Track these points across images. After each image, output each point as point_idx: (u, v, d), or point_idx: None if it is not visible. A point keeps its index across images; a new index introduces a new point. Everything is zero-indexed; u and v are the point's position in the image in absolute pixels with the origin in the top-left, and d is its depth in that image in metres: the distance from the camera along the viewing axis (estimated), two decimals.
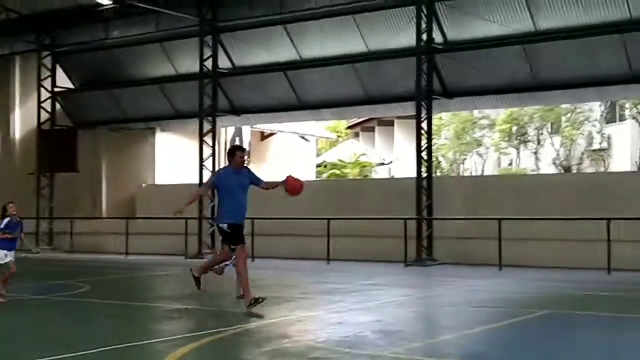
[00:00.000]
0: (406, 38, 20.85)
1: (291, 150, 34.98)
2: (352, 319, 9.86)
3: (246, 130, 32.14)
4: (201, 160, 23.82)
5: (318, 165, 40.33)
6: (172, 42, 25.30)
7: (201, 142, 23.95)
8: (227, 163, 11.18)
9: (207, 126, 24.01)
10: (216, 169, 24.62)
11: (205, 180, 23.58)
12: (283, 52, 23.45)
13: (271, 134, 34.05)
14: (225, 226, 10.51)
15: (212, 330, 8.85)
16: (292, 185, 10.86)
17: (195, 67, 24.16)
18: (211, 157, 23.95)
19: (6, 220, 11.47)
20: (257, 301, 10.07)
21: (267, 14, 22.86)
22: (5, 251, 11.35)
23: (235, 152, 10.80)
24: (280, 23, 23.01)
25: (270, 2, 22.71)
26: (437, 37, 20.61)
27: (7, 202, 11.74)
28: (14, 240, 11.55)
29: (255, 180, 10.80)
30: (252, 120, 26.80)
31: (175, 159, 27.80)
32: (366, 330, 8.97)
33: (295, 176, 11.09)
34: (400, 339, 8.38)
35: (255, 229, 21.52)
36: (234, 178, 10.61)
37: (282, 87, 24.11)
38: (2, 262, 11.32)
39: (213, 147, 24.04)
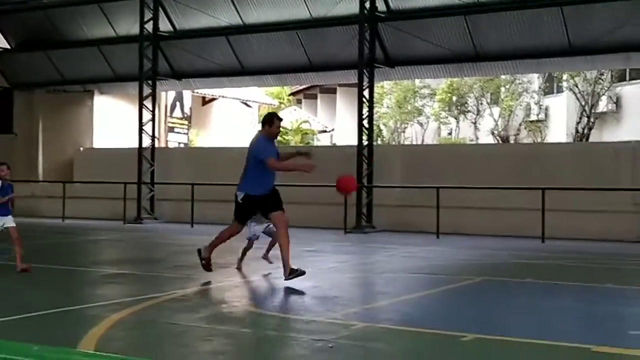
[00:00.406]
0: (350, 6, 20.74)
1: (233, 116, 34.77)
2: (290, 284, 9.86)
3: (187, 95, 31.78)
4: (140, 124, 23.46)
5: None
6: (111, 4, 24.72)
7: (141, 106, 23.58)
8: (260, 130, 10.29)
9: (147, 90, 23.64)
10: (156, 133, 24.35)
11: (144, 144, 23.31)
12: (226, 17, 23.12)
13: (212, 99, 33.74)
14: (258, 197, 9.90)
15: (149, 296, 8.74)
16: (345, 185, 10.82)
17: (135, 30, 23.70)
18: (150, 122, 23.62)
19: None
20: (296, 273, 9.64)
21: None
22: None
23: (274, 120, 10.06)
24: None
25: None
26: (381, 5, 20.56)
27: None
28: (5, 205, 10.68)
29: (277, 151, 10.21)
30: (193, 84, 26.48)
31: (114, 122, 27.36)
32: (303, 296, 9.00)
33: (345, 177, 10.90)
34: (336, 305, 8.41)
35: (196, 194, 21.43)
36: (270, 148, 9.97)
37: (224, 52, 23.84)
38: None
39: (153, 111, 23.71)
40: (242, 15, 22.94)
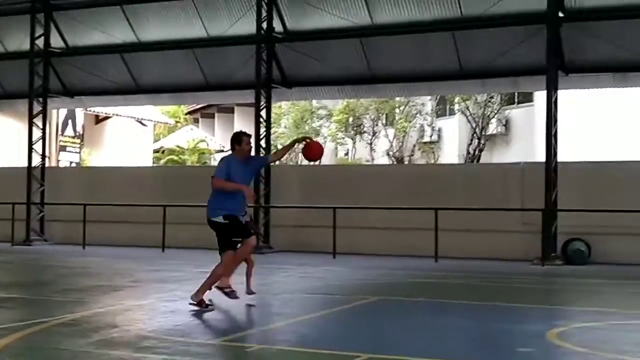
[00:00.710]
0: (247, 26, 20.77)
1: (128, 135, 34.20)
2: (184, 307, 9.69)
3: (79, 113, 31.08)
4: (30, 142, 22.78)
5: (155, 151, 39.60)
6: (1, 18, 23.96)
7: (30, 124, 22.90)
8: (230, 150, 9.83)
9: (37, 107, 23.00)
10: (46, 152, 23.69)
11: (44, 165, 22.64)
12: (120, 34, 22.74)
13: (106, 118, 33.11)
14: (221, 219, 9.46)
15: (38, 320, 8.44)
16: (313, 151, 9.72)
17: (26, 45, 23.01)
18: (41, 140, 22.95)
19: None
20: (205, 305, 9.35)
21: None
22: None
23: (242, 137, 9.61)
24: (117, 4, 22.31)
25: None
26: (278, 26, 20.67)
27: None
28: None
29: (261, 162, 10.20)
30: (86, 102, 25.92)
31: (3, 141, 26.45)
32: (198, 319, 8.86)
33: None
34: (232, 327, 8.35)
35: (88, 215, 20.90)
36: (241, 169, 9.48)
37: (119, 69, 23.45)
38: None
39: (43, 129, 23.09)
40: (137, 33, 22.62)
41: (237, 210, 9.47)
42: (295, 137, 9.79)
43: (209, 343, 7.34)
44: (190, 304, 9.36)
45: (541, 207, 17.24)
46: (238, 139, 9.64)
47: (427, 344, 7.81)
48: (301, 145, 9.86)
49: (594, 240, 17.49)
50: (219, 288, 9.68)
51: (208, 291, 9.58)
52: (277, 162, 33.24)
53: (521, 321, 9.13)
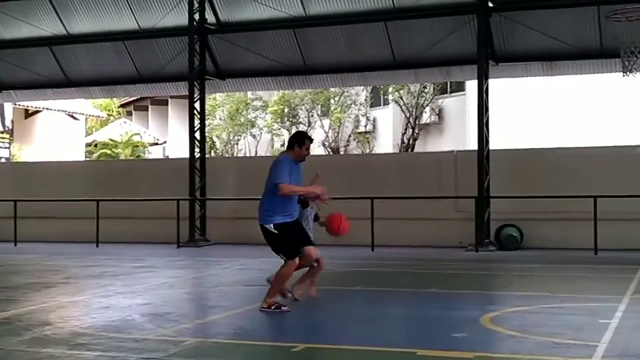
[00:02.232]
0: (179, 17, 20.50)
1: (59, 129, 33.54)
2: (119, 302, 9.59)
3: (8, 107, 30.35)
4: None
5: (88, 145, 38.94)
6: None
7: None
8: (287, 148, 9.20)
9: None
10: None
11: None
12: (49, 26, 22.21)
13: (36, 112, 32.39)
14: (271, 227, 8.85)
15: None
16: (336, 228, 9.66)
17: None
18: None
19: None
20: (278, 307, 8.84)
21: None
22: None
23: (305, 140, 9.01)
24: None
25: None
26: (210, 17, 20.48)
27: None
28: None
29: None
30: (15, 96, 25.27)
31: None
32: (134, 314, 8.76)
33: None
34: (168, 321, 8.26)
35: (19, 211, 20.46)
36: (295, 171, 8.93)
37: (48, 62, 22.93)
38: None
39: None
40: (66, 25, 22.13)
41: (290, 215, 8.97)
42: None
43: (145, 338, 7.26)
44: (262, 310, 8.86)
45: (474, 195, 17.51)
46: (301, 140, 9.01)
47: (364, 332, 7.86)
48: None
49: (526, 225, 17.83)
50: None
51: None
52: (212, 154, 32.91)
53: (456, 307, 9.27)
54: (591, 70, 19.10)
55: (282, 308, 8.80)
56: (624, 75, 15.71)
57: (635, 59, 15.18)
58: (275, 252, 8.99)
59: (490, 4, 18.05)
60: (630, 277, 11.75)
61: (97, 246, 19.39)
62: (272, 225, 8.83)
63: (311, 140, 9.26)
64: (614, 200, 16.33)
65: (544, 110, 28.35)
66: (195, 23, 19.95)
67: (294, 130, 38.94)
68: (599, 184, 16.94)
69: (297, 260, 8.91)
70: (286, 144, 9.30)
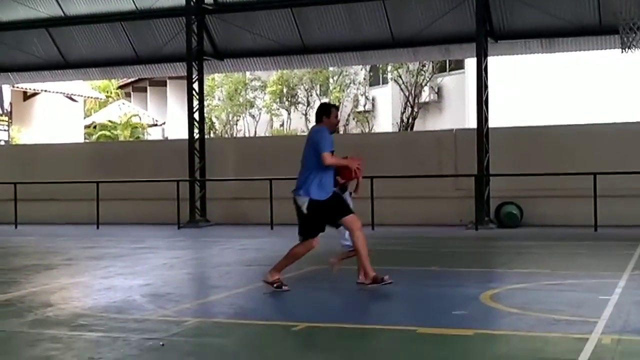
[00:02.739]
0: None
1: (57, 110, 33.46)
2: (120, 283, 9.61)
3: (6, 90, 30.26)
4: None
5: (87, 127, 38.87)
6: None
7: None
8: (316, 122, 8.94)
9: None
10: None
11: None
12: (45, 8, 22.12)
13: (35, 94, 32.32)
14: (307, 204, 8.59)
15: None
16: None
17: None
18: None
19: None
20: (382, 281, 8.61)
21: None
22: None
23: (331, 109, 8.90)
24: None
25: None
26: None
27: None
28: None
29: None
30: (12, 79, 25.22)
31: None
32: (135, 295, 8.78)
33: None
34: (169, 302, 8.28)
35: (19, 194, 20.49)
36: (330, 141, 8.62)
37: (45, 44, 22.92)
38: None
39: None
40: (62, 7, 22.05)
41: (326, 192, 8.67)
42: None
43: (146, 318, 7.28)
44: (263, 281, 8.86)
45: (474, 173, 17.51)
46: (327, 110, 8.85)
47: (365, 310, 7.89)
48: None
49: (526, 203, 17.86)
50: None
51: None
52: (211, 135, 32.78)
53: (456, 285, 9.29)
54: (590, 46, 19.03)
55: (283, 287, 8.78)
56: (622, 52, 15.70)
57: (634, 35, 15.15)
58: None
59: None
60: (630, 254, 11.78)
61: (98, 228, 19.42)
62: (306, 202, 8.61)
63: (337, 108, 9.08)
64: (613, 177, 16.36)
65: (543, 88, 28.28)
66: (192, 3, 19.87)
67: (293, 111, 38.96)
68: (598, 161, 16.95)
69: (313, 242, 8.82)
70: (314, 117, 9.04)
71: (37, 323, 7.23)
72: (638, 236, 14.50)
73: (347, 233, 9.10)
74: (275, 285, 8.76)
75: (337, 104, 36.34)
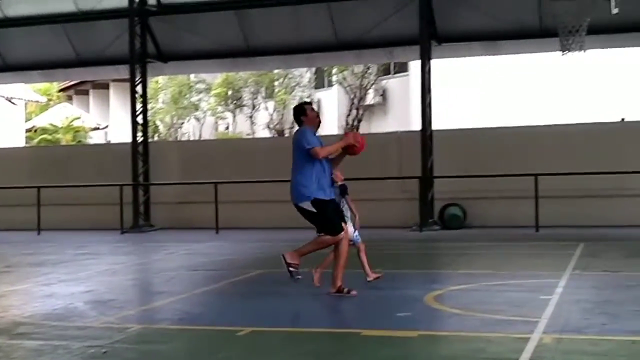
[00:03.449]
0: None
1: None
2: (62, 290, 9.46)
3: None
4: None
5: (28, 131, 38.15)
6: None
7: None
8: (297, 125, 8.75)
9: None
10: None
11: None
12: None
13: None
14: (309, 205, 8.32)
15: None
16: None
17: None
18: None
19: None
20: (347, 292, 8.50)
21: None
22: None
23: (304, 107, 8.76)
24: None
25: None
26: None
27: None
28: None
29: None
30: None
31: None
32: (76, 302, 8.65)
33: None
34: (112, 308, 8.17)
35: None
36: (317, 140, 8.48)
37: None
38: None
39: None
40: (2, 8, 21.63)
41: (324, 192, 8.47)
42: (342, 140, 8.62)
43: (88, 326, 7.17)
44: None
45: (418, 175, 17.66)
46: (301, 109, 8.72)
47: (309, 314, 7.90)
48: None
49: (469, 204, 18.10)
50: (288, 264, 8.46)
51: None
52: (155, 138, 32.46)
53: (400, 287, 9.36)
54: (531, 49, 19.39)
55: (295, 276, 8.42)
56: (562, 54, 15.97)
57: (573, 37, 15.42)
58: (319, 232, 8.53)
59: None
60: (570, 254, 12.01)
61: (39, 234, 19.09)
62: (309, 203, 8.33)
63: (310, 103, 9.06)
64: (554, 178, 16.66)
65: (487, 90, 28.65)
66: (135, 4, 19.71)
67: (238, 113, 38.80)
68: (540, 163, 17.26)
69: (342, 236, 8.50)
70: (295, 121, 8.82)
71: None
72: (578, 236, 14.80)
73: (354, 231, 9.11)
74: (291, 268, 8.40)
75: (282, 106, 36.40)
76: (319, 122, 8.78)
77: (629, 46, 18.94)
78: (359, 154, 8.88)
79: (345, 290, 8.55)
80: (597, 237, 14.76)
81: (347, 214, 9.17)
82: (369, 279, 9.18)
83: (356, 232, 9.23)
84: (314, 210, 8.33)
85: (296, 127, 8.88)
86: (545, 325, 6.70)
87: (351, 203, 9.30)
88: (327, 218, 8.41)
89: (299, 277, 8.49)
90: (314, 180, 8.36)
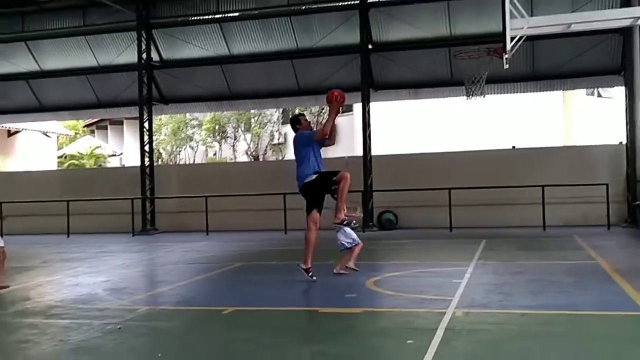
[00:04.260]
0: (130, 56, 20.08)
1: (35, 145, 32.17)
2: (86, 281, 9.28)
3: None
4: None
5: (59, 157, 37.50)
6: None
7: None
8: (295, 132, 8.71)
9: None
10: None
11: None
12: (25, 64, 21.38)
13: (17, 132, 31.00)
14: (313, 177, 8.37)
15: None
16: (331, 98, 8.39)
17: None
18: None
19: None
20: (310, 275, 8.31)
21: (9, 32, 20.79)
22: None
23: (299, 118, 8.71)
24: (21, 40, 21.00)
25: (10, 22, 20.68)
26: (155, 56, 20.12)
27: None
28: None
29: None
30: None
31: None
32: (97, 289, 8.50)
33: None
34: (125, 294, 8.05)
35: (4, 210, 19.61)
36: (316, 145, 8.57)
37: (25, 93, 22.07)
38: None
39: None
40: (39, 63, 21.35)
41: (320, 167, 8.54)
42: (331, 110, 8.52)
43: (106, 307, 7.06)
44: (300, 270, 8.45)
45: (361, 189, 17.72)
46: (297, 120, 8.64)
47: (279, 296, 7.86)
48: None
49: (400, 211, 18.19)
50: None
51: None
52: (159, 162, 31.96)
53: (348, 275, 9.35)
54: (444, 94, 19.58)
55: (312, 277, 8.33)
56: (468, 99, 16.17)
57: (476, 86, 15.64)
58: (309, 210, 8.56)
59: (370, 46, 18.32)
60: (476, 248, 12.13)
61: (68, 237, 18.72)
62: (313, 176, 8.42)
63: (302, 114, 8.96)
64: (464, 191, 16.84)
65: (414, 124, 28.91)
66: (143, 61, 19.54)
67: (223, 143, 38.57)
68: (453, 179, 17.43)
69: (312, 219, 8.48)
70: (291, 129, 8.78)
71: (18, 314, 6.92)
72: (482, 234, 14.96)
73: (341, 236, 9.08)
74: (309, 274, 8.40)
75: (257, 137, 36.29)
76: (311, 128, 8.77)
77: (517, 92, 19.25)
78: (344, 100, 8.64)
79: (309, 273, 8.48)
80: (496, 235, 14.94)
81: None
82: (348, 265, 9.01)
83: (355, 236, 9.19)
84: (317, 175, 8.41)
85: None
86: (457, 302, 6.76)
87: (349, 211, 9.25)
88: (310, 199, 8.57)
89: (314, 278, 8.42)
90: (310, 167, 8.47)
